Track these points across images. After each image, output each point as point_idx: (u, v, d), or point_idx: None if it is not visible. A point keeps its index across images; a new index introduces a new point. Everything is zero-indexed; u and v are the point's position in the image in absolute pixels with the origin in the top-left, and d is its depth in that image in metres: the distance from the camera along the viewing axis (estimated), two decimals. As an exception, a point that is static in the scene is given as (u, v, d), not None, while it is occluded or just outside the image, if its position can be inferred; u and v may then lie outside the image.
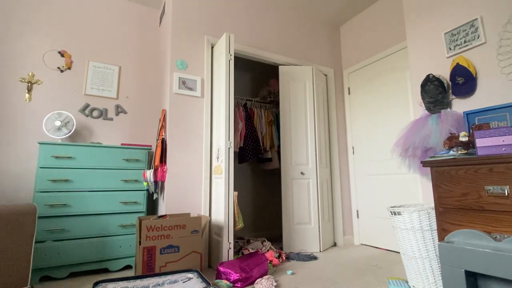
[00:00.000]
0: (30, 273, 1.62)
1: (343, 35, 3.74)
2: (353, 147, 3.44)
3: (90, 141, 2.74)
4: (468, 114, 1.97)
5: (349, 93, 3.56)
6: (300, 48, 3.42)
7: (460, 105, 2.11)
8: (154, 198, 2.71)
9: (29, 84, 2.57)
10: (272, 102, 3.90)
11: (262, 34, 3.17)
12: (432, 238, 1.76)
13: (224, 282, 1.90)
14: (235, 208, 2.43)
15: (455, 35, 2.14)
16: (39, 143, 2.22)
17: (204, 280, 1.85)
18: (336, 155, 3.39)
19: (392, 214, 1.95)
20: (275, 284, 1.94)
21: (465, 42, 2.08)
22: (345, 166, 3.45)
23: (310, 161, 3.10)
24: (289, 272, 2.26)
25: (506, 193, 1.30)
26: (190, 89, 2.64)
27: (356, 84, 3.47)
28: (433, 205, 2.09)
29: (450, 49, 2.17)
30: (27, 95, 2.55)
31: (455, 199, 1.51)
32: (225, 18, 2.97)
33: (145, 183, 2.49)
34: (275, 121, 3.80)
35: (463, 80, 2.04)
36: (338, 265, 2.47)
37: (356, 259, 2.65)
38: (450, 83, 2.14)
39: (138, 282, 1.81)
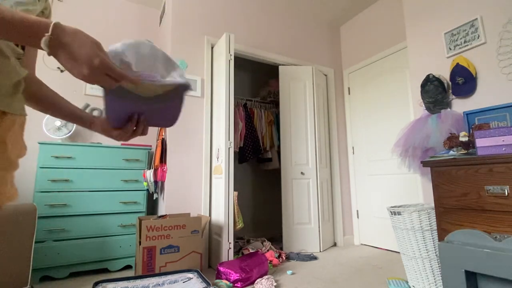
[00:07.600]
0: (30, 273, 1.62)
1: (343, 35, 3.74)
2: (353, 147, 3.44)
3: (90, 141, 2.74)
4: (468, 114, 1.97)
5: (349, 93, 3.56)
6: (300, 48, 3.42)
7: (460, 105, 2.11)
8: (154, 198, 2.71)
9: (29, 84, 2.56)
10: (272, 102, 3.89)
11: (262, 34, 3.17)
12: (432, 238, 1.76)
13: (224, 282, 1.90)
14: (235, 208, 2.43)
15: (455, 35, 2.14)
16: (39, 143, 2.23)
17: (204, 280, 1.85)
18: (336, 155, 3.39)
19: (392, 214, 1.95)
20: (275, 284, 1.94)
21: (465, 42, 2.08)
22: (345, 166, 3.45)
23: (310, 161, 3.10)
24: (289, 272, 2.26)
25: (506, 193, 1.30)
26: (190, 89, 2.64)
27: (356, 84, 3.47)
28: (433, 205, 2.09)
29: (450, 49, 2.17)
30: (27, 95, 2.54)
31: (455, 199, 1.51)
32: (225, 18, 2.96)
33: (145, 183, 2.49)
34: (275, 121, 3.80)
35: (463, 80, 2.04)
36: (338, 265, 2.47)
37: (356, 259, 2.65)
38: (450, 83, 2.14)
39: (138, 282, 1.81)
